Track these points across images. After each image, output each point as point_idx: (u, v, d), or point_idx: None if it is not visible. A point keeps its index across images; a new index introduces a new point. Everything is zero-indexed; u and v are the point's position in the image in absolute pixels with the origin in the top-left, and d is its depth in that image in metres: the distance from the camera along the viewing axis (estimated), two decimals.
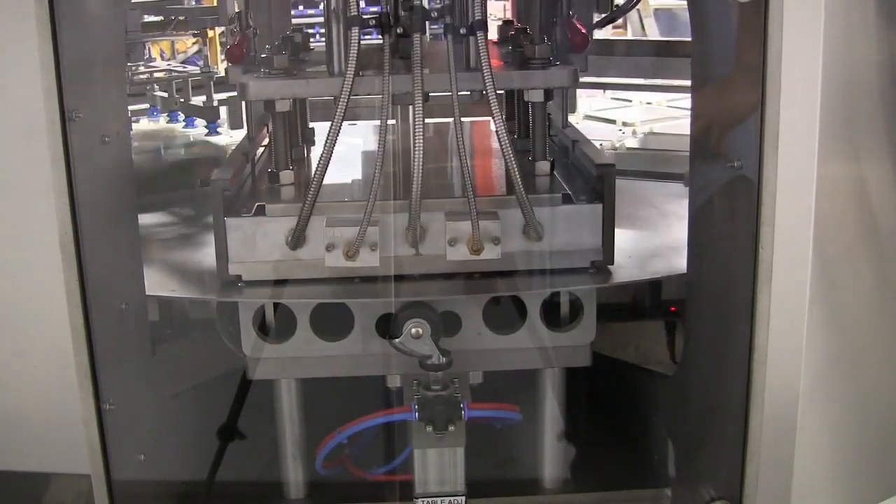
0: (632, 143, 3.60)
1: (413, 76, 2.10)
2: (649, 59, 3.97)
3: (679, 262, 2.35)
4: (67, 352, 1.93)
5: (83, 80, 1.87)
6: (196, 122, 4.10)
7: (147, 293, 2.17)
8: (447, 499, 2.16)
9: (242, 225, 2.23)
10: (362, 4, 2.15)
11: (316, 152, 2.77)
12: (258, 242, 2.23)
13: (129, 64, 3.98)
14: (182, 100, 4.14)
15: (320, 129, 2.82)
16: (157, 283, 2.33)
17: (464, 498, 2.17)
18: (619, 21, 3.81)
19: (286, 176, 2.45)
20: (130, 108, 3.40)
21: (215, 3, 3.95)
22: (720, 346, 2.08)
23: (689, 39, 2.11)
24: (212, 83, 4.09)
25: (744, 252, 1.94)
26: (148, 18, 4.32)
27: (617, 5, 3.27)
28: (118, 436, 2.01)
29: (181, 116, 4.18)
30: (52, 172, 1.84)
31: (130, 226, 2.11)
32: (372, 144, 2.81)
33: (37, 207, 1.87)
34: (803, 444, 1.98)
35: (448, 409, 2.16)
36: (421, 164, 2.10)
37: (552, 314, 2.36)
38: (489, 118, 2.24)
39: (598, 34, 3.57)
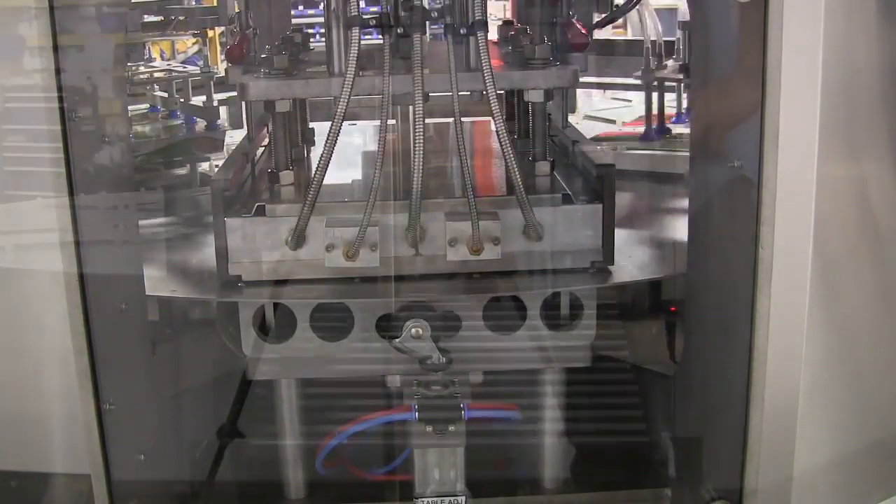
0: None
1: (413, 76, 2.10)
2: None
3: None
4: (67, 352, 1.93)
5: (83, 81, 1.87)
6: (196, 122, 4.10)
7: (147, 293, 2.17)
8: (447, 499, 2.16)
9: (242, 225, 2.23)
10: (362, 4, 2.15)
11: (316, 152, 2.77)
12: (258, 242, 2.23)
13: (128, 64, 3.98)
14: (182, 100, 4.14)
15: (320, 129, 2.82)
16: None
17: (464, 498, 2.17)
18: (619, 21, 3.80)
19: (286, 176, 2.45)
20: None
21: (215, 3, 3.95)
22: (720, 346, 2.08)
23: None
24: (211, 83, 4.09)
25: (744, 252, 1.94)
26: (148, 18, 4.32)
27: (617, 5, 3.27)
28: (118, 436, 2.01)
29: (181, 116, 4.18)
30: (52, 172, 1.84)
31: (130, 226, 2.11)
32: (372, 144, 2.81)
33: (37, 208, 1.87)
34: (803, 444, 1.98)
35: (448, 409, 2.16)
36: (421, 164, 2.10)
37: (552, 314, 2.36)
38: (489, 118, 2.25)
39: (599, 34, 3.56)
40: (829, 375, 2.01)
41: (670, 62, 3.44)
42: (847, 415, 2.06)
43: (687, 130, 3.01)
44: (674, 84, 3.48)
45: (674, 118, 3.53)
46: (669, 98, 3.54)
